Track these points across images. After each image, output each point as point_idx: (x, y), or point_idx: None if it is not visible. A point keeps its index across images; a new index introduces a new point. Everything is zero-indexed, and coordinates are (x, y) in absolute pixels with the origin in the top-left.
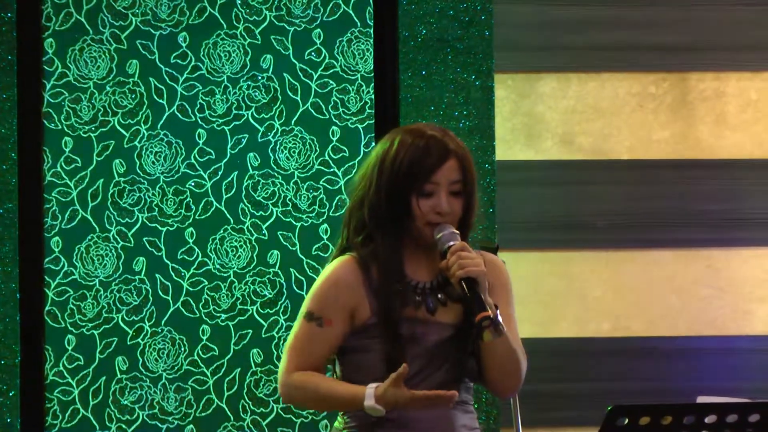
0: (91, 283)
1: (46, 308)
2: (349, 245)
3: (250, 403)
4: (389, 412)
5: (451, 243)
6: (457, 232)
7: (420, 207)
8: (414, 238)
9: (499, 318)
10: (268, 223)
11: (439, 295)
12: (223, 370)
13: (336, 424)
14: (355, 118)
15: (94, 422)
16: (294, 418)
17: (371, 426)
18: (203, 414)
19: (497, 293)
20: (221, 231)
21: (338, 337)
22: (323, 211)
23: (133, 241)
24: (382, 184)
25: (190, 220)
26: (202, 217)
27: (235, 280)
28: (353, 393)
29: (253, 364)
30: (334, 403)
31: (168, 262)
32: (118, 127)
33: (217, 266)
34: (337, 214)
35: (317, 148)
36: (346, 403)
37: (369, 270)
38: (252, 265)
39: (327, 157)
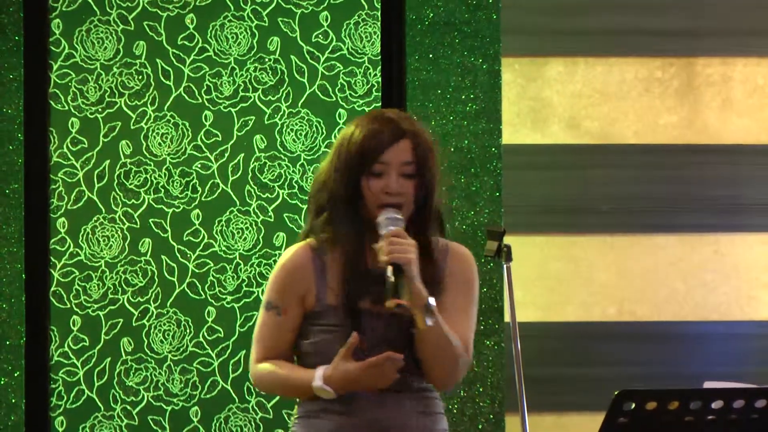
0: (96, 264)
1: (52, 289)
2: (310, 230)
3: None
4: (334, 400)
5: (390, 228)
6: (401, 217)
7: (370, 188)
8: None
9: (431, 306)
10: (274, 205)
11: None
12: (228, 351)
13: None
14: (362, 101)
15: (99, 403)
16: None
17: (316, 414)
18: (208, 396)
19: (454, 285)
20: (227, 213)
21: (297, 324)
22: None
23: (139, 223)
24: (339, 167)
25: (197, 202)
26: (209, 198)
27: (240, 262)
28: (307, 377)
29: None
30: (294, 390)
31: (174, 243)
32: (125, 109)
33: (223, 248)
34: None
35: (324, 131)
36: (303, 388)
37: (323, 257)
38: (258, 247)
39: (334, 140)
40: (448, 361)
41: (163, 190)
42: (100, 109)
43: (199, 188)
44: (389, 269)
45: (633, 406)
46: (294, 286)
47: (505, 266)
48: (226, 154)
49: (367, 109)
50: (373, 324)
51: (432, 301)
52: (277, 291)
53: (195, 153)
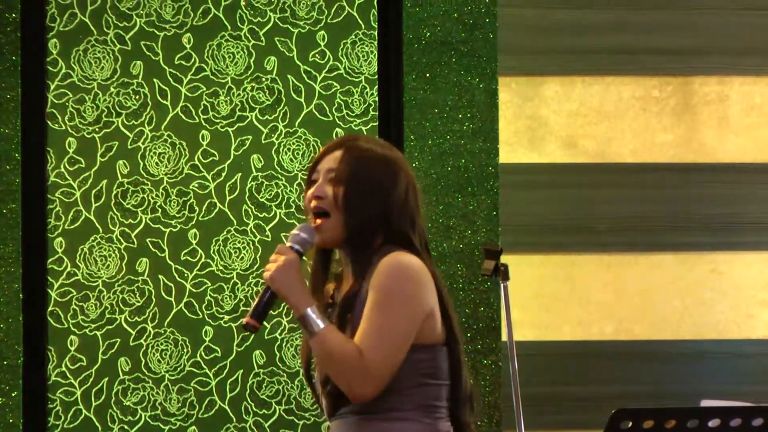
0: (94, 284)
1: (49, 309)
2: None
3: (253, 404)
4: None
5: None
6: (303, 235)
7: (306, 195)
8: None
9: (310, 318)
10: (271, 225)
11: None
12: (226, 371)
13: None
14: (359, 120)
15: (97, 423)
16: (296, 420)
17: None
18: (206, 415)
19: (370, 288)
20: (225, 232)
21: None
22: None
23: (136, 242)
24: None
25: (194, 222)
26: (206, 218)
27: (238, 281)
28: None
29: (255, 365)
30: None
31: (171, 263)
32: (122, 128)
33: (221, 267)
34: None
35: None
36: None
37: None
38: (255, 267)
39: None
40: (335, 372)
41: (160, 210)
42: (97, 129)
43: (197, 208)
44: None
45: (630, 424)
46: None
47: (502, 285)
48: (224, 174)
49: (364, 129)
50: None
51: (308, 313)
52: None
53: (192, 173)
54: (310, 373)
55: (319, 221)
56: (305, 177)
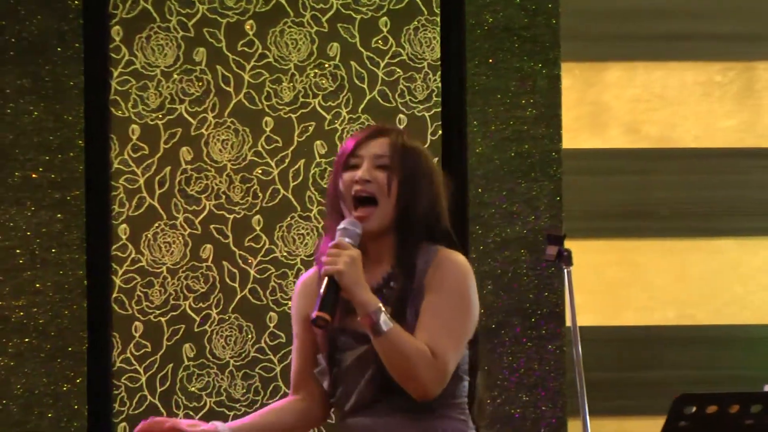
0: (158, 270)
1: (114, 295)
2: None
3: None
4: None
5: (338, 239)
6: (352, 228)
7: (344, 181)
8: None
9: (380, 317)
10: None
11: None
12: (290, 357)
13: None
14: (421, 106)
15: (162, 409)
16: None
17: None
18: (270, 401)
19: (431, 290)
20: (288, 218)
21: (309, 349)
22: None
23: (200, 229)
24: (331, 177)
25: (257, 208)
26: (269, 204)
27: (302, 267)
28: None
29: None
30: None
31: (235, 249)
32: (186, 115)
33: (284, 253)
34: None
35: None
36: None
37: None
38: None
39: None
40: (404, 373)
41: (224, 196)
42: (160, 116)
43: (260, 194)
44: (324, 284)
45: (693, 409)
46: (300, 309)
47: (565, 271)
48: (287, 160)
49: (427, 115)
50: (348, 342)
51: (378, 311)
52: (294, 318)
53: (256, 159)
54: (333, 358)
55: (363, 210)
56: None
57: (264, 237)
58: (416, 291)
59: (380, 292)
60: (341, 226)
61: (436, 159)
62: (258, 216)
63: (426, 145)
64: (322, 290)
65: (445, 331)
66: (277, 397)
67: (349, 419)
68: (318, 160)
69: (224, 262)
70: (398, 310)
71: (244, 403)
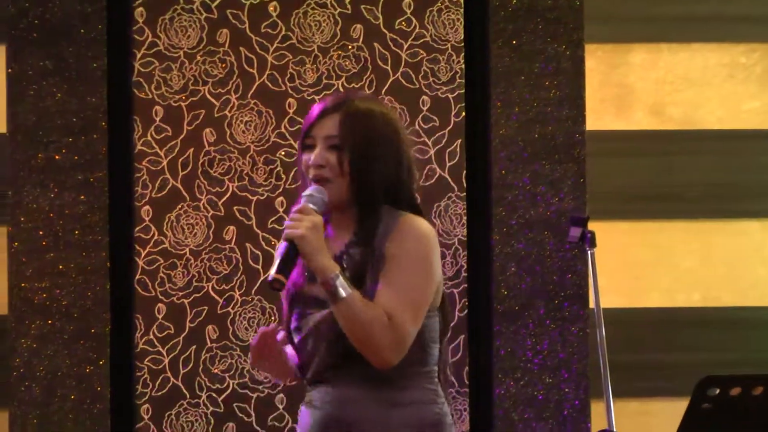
0: (181, 252)
1: (137, 277)
2: None
3: None
4: (312, 393)
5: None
6: (318, 195)
7: (303, 162)
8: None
9: (338, 283)
10: None
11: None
12: None
13: None
14: (445, 88)
15: (185, 391)
16: None
17: (305, 404)
18: (293, 383)
19: (391, 252)
20: None
21: None
22: None
23: (223, 210)
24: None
25: (280, 189)
26: (293, 186)
27: None
28: None
29: None
30: None
31: (258, 231)
32: (209, 96)
33: None
34: (426, 184)
35: (407, 118)
36: None
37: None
38: None
39: (417, 127)
40: (363, 340)
41: (247, 178)
42: (183, 98)
43: (283, 176)
44: (281, 249)
45: (717, 391)
46: None
47: (589, 253)
48: None
49: (450, 96)
50: (308, 308)
51: (336, 277)
52: None
53: (279, 140)
54: (291, 335)
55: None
56: None
57: (287, 218)
58: (376, 258)
59: (341, 259)
60: (307, 192)
61: (459, 141)
62: (281, 197)
63: (449, 127)
64: (281, 253)
65: (404, 298)
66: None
67: (311, 388)
68: None
69: (247, 244)
70: (357, 278)
71: (267, 385)
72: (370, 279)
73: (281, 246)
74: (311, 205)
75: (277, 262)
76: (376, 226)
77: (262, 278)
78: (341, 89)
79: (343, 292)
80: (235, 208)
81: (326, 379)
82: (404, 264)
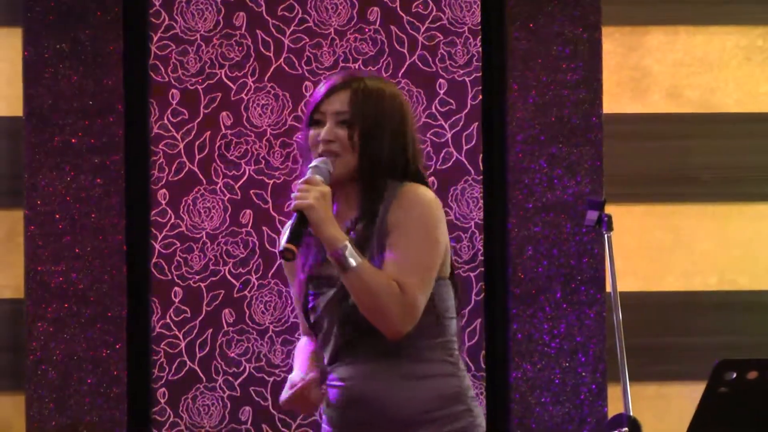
0: (197, 236)
1: (153, 261)
2: None
3: None
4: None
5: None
6: (323, 166)
7: (309, 138)
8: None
9: (347, 252)
10: None
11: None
12: None
13: None
14: (462, 71)
15: (201, 375)
16: None
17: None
18: None
19: (395, 222)
20: None
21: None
22: (430, 164)
23: (240, 194)
24: (303, 127)
25: (297, 173)
26: None
27: None
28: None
29: None
30: None
31: (275, 214)
32: (225, 80)
33: None
34: (443, 168)
35: (424, 101)
36: None
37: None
38: None
39: (434, 110)
40: (374, 309)
41: (263, 161)
42: (200, 81)
43: (300, 159)
44: (292, 219)
45: (734, 375)
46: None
47: (605, 236)
48: None
49: (467, 80)
50: (319, 287)
51: (345, 247)
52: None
53: (295, 124)
54: (308, 316)
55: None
56: None
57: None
58: (380, 228)
59: (347, 234)
60: (313, 164)
61: (476, 124)
62: (298, 181)
63: (466, 110)
64: (290, 225)
65: (410, 263)
66: None
67: (332, 367)
68: None
69: (264, 227)
70: (363, 249)
71: (284, 369)
72: (376, 251)
73: (291, 220)
74: (318, 177)
75: (286, 232)
76: (380, 201)
77: (278, 262)
78: None
79: (352, 261)
80: (251, 191)
81: (344, 357)
82: (408, 230)
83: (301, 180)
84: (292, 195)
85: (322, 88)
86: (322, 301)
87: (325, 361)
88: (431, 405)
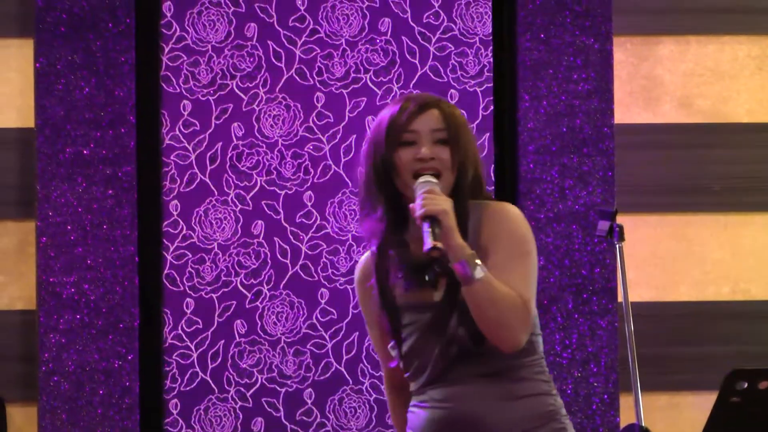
0: (209, 247)
1: (165, 272)
2: (370, 234)
3: (369, 366)
4: (427, 395)
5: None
6: (435, 181)
7: (401, 158)
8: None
9: (476, 263)
10: None
11: (426, 275)
12: (342, 333)
13: None
14: (473, 81)
15: (213, 386)
16: None
17: (417, 405)
18: (322, 377)
19: (492, 239)
20: (339, 194)
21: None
22: None
23: (251, 205)
24: (374, 152)
25: (309, 184)
26: (321, 180)
27: (353, 243)
28: None
29: None
30: None
31: (286, 225)
32: (237, 91)
33: (336, 230)
34: None
35: None
36: None
37: (382, 258)
38: None
39: None
40: (495, 320)
41: (275, 172)
42: (211, 92)
43: (311, 170)
44: (426, 224)
45: (746, 385)
46: (368, 304)
47: (617, 246)
48: (338, 136)
49: (479, 90)
50: (411, 317)
51: (474, 257)
52: (362, 309)
53: (307, 134)
54: (399, 343)
55: None
56: None
57: (315, 213)
58: (471, 246)
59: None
60: (423, 179)
61: (487, 134)
62: (309, 192)
63: (477, 121)
64: (425, 228)
65: (520, 277)
66: (329, 374)
67: (424, 390)
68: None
69: (275, 238)
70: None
71: (296, 380)
72: None
73: (424, 225)
74: (437, 188)
75: (427, 235)
76: (467, 219)
77: (290, 273)
78: (369, 83)
79: (481, 271)
80: (263, 202)
81: (443, 380)
82: (507, 244)
83: (425, 190)
84: (419, 203)
85: (407, 108)
86: (416, 329)
87: (415, 386)
88: (529, 424)
